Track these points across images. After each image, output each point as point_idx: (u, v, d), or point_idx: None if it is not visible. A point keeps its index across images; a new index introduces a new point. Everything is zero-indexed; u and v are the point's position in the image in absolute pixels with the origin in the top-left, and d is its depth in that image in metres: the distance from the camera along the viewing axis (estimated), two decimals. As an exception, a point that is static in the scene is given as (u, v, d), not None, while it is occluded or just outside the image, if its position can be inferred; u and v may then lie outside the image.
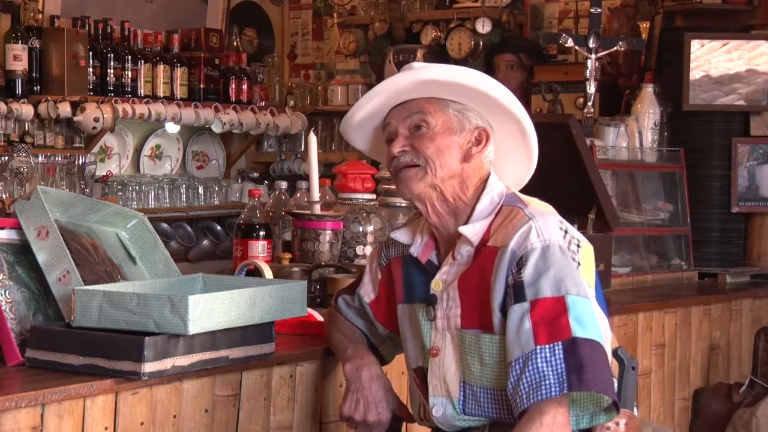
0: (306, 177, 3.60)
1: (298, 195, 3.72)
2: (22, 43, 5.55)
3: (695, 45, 4.79)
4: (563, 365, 2.26)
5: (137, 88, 5.96)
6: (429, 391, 2.50)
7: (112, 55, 5.84)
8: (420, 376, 2.55)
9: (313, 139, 3.45)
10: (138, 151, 6.40)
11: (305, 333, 2.89)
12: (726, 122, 4.89)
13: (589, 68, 4.61)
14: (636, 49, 4.98)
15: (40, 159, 5.51)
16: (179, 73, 6.17)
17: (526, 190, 2.57)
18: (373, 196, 3.69)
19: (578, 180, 4.00)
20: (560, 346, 2.28)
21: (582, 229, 3.90)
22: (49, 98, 5.59)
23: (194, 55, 6.31)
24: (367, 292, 2.70)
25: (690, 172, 4.79)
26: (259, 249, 3.52)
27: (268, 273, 3.04)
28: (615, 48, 4.71)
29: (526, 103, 5.50)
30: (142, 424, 2.38)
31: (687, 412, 4.24)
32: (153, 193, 6.15)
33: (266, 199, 4.38)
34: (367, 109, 2.54)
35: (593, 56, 4.61)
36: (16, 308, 2.50)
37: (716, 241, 4.87)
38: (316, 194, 3.44)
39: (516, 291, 2.34)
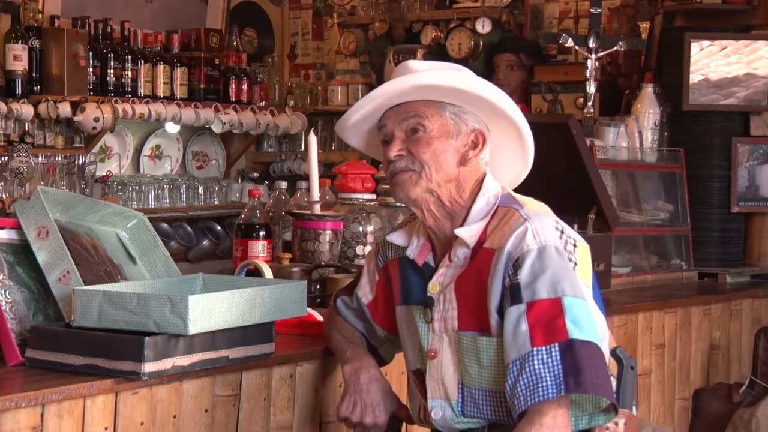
0: (306, 177, 3.60)
1: (298, 195, 3.72)
2: (22, 43, 5.55)
3: (694, 48, 4.80)
4: (560, 367, 2.26)
5: (137, 88, 5.97)
6: (427, 393, 2.50)
7: (112, 55, 5.85)
8: (419, 378, 2.55)
9: (313, 139, 3.45)
10: (138, 151, 6.40)
11: (305, 333, 2.89)
12: (726, 122, 4.89)
13: (589, 68, 4.61)
14: (636, 49, 4.98)
15: (40, 159, 5.52)
16: (179, 73, 6.18)
17: (525, 191, 2.56)
18: (373, 196, 3.69)
19: (578, 180, 4.00)
20: (557, 348, 2.27)
21: (582, 229, 3.90)
22: (49, 98, 5.59)
23: (194, 55, 6.31)
24: (365, 293, 2.70)
25: (690, 172, 4.79)
26: (259, 249, 3.53)
27: (268, 273, 3.04)
28: (615, 48, 4.71)
29: (526, 103, 5.51)
30: (142, 424, 2.38)
31: (687, 412, 4.24)
32: (153, 193, 6.16)
33: (266, 199, 4.38)
34: (363, 111, 2.53)
35: (593, 56, 4.61)
36: (16, 308, 2.50)
37: (716, 241, 4.87)
38: (316, 194, 3.44)
39: (512, 293, 2.34)
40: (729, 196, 4.88)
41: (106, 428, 2.32)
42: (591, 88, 4.61)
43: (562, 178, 3.82)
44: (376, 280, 2.67)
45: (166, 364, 2.36)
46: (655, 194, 4.77)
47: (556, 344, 2.28)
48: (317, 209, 3.45)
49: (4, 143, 5.45)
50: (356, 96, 6.48)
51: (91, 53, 5.73)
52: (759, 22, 4.89)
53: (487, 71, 5.77)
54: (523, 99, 5.58)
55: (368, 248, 3.55)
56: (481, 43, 5.99)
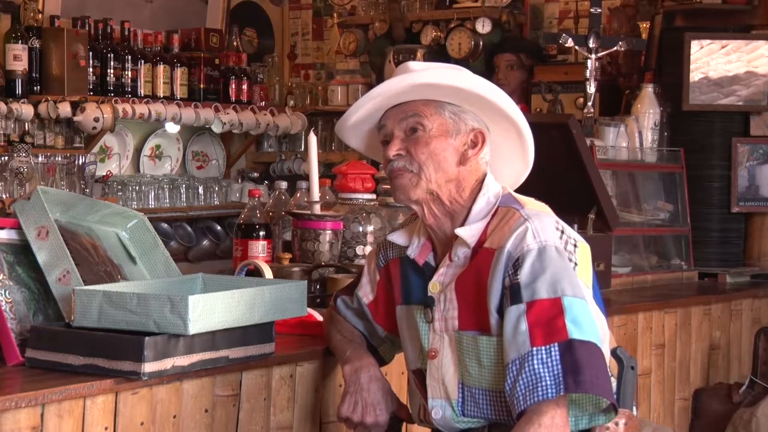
0: (306, 177, 3.60)
1: (298, 195, 3.72)
2: (22, 43, 5.55)
3: (694, 47, 4.80)
4: (560, 367, 2.26)
5: (137, 88, 5.97)
6: (428, 393, 2.50)
7: (112, 55, 5.85)
8: (419, 378, 2.55)
9: (313, 139, 3.45)
10: (138, 151, 6.40)
11: (305, 333, 2.89)
12: (726, 122, 4.90)
13: (589, 68, 4.61)
14: (636, 49, 4.98)
15: (40, 159, 5.51)
16: (179, 73, 6.18)
17: (526, 191, 2.56)
18: (373, 196, 3.69)
19: (578, 180, 4.00)
20: (557, 348, 2.27)
21: (582, 229, 3.91)
22: (49, 98, 5.59)
23: (194, 55, 6.32)
24: (366, 293, 2.70)
25: (690, 172, 4.79)
26: (259, 249, 3.53)
27: (268, 273, 3.04)
28: (615, 48, 4.71)
29: (526, 103, 5.51)
30: (142, 424, 2.38)
31: (687, 412, 4.24)
32: (153, 193, 6.16)
33: (266, 199, 4.38)
34: (363, 111, 2.54)
35: (593, 56, 4.61)
36: (16, 308, 2.50)
37: (716, 241, 4.87)
38: (316, 194, 3.44)
39: (512, 292, 2.34)
40: (729, 196, 4.88)
41: (106, 428, 2.32)
42: (591, 88, 4.61)
43: (562, 178, 3.82)
44: (377, 280, 2.67)
45: (166, 364, 2.36)
46: (655, 194, 4.77)
47: (556, 344, 2.28)
48: (317, 209, 3.45)
49: (4, 143, 5.45)
50: (356, 96, 6.48)
51: (91, 53, 5.73)
52: (759, 22, 4.89)
53: (487, 71, 5.77)
54: (523, 99, 5.58)
55: (368, 248, 3.55)
56: (481, 43, 5.98)
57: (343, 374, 2.60)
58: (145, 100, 5.94)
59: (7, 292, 2.50)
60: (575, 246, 2.41)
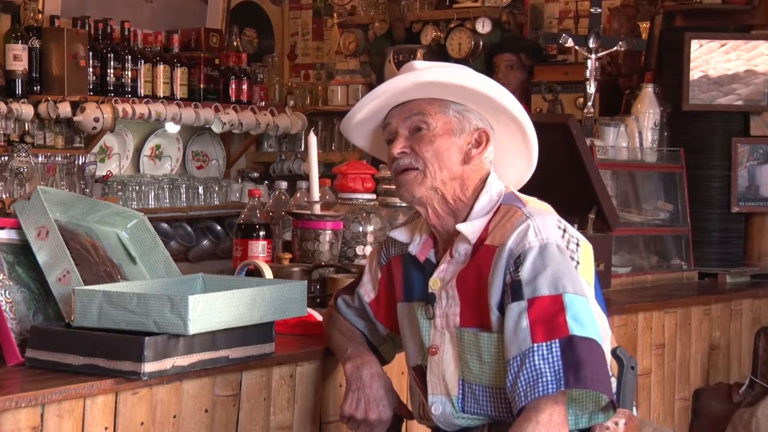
0: (306, 177, 3.60)
1: (298, 195, 3.72)
2: (22, 43, 5.55)
3: (694, 45, 4.80)
4: (560, 363, 2.26)
5: (137, 88, 5.97)
6: (428, 389, 2.50)
7: (112, 55, 5.85)
8: (419, 375, 2.55)
9: (313, 139, 3.45)
10: (138, 151, 6.40)
11: (305, 333, 2.89)
12: (726, 122, 4.89)
13: (589, 68, 4.61)
14: (636, 49, 4.98)
15: (40, 159, 5.52)
16: (179, 73, 6.18)
17: (526, 190, 2.57)
18: (373, 196, 3.69)
19: (578, 180, 4.00)
20: (557, 344, 2.28)
21: (582, 229, 3.90)
22: (49, 98, 5.59)
23: (194, 55, 6.32)
24: (367, 291, 2.70)
25: (690, 172, 4.79)
26: (259, 249, 3.52)
27: (268, 273, 3.04)
28: (615, 48, 4.71)
29: (526, 103, 5.51)
30: (142, 424, 2.38)
31: (687, 412, 4.24)
32: (153, 193, 6.16)
33: (266, 199, 4.38)
34: (367, 109, 2.54)
35: (593, 56, 4.61)
36: (16, 308, 2.50)
37: (716, 241, 4.87)
38: (316, 194, 3.44)
39: (513, 289, 2.34)
40: (729, 196, 4.88)
41: (106, 428, 2.32)
42: (591, 88, 4.61)
43: (562, 178, 3.81)
44: (379, 278, 2.67)
45: (166, 364, 2.36)
46: (655, 194, 4.77)
47: (557, 340, 2.28)
48: (317, 209, 3.45)
49: (4, 143, 5.45)
50: (356, 96, 6.49)
51: (91, 53, 5.73)
52: (759, 22, 4.89)
53: (487, 71, 5.77)
54: (523, 99, 5.58)
55: (368, 248, 3.55)
56: (481, 43, 5.99)
57: (345, 372, 2.60)
58: (145, 100, 5.94)
59: (7, 292, 2.50)
60: (577, 245, 2.41)
